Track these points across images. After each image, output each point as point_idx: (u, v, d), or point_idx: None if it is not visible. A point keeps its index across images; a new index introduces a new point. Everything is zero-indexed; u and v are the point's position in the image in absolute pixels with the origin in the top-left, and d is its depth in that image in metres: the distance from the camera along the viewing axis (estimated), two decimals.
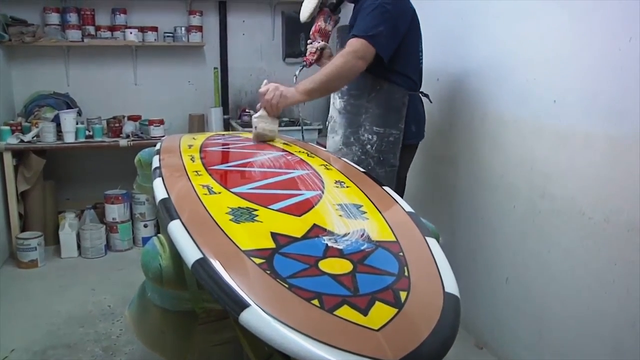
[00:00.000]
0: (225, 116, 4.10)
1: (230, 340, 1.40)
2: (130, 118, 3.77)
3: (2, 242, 3.33)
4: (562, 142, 1.89)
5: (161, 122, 3.66)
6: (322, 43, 2.34)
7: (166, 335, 1.29)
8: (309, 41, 2.38)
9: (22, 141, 3.33)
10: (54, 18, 3.62)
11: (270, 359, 1.21)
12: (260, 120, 1.95)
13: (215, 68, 4.10)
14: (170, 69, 4.02)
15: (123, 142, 3.52)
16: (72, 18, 3.64)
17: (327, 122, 2.32)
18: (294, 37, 4.17)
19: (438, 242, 1.19)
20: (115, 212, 3.53)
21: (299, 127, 3.93)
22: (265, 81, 2.02)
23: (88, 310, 2.72)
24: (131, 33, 3.74)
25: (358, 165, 2.03)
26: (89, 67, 3.84)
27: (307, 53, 2.37)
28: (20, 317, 2.64)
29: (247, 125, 3.97)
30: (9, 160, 3.28)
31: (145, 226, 3.65)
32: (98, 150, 3.69)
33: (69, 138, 3.43)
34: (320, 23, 2.33)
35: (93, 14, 3.72)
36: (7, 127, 3.33)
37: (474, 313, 2.43)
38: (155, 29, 3.85)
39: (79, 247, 3.45)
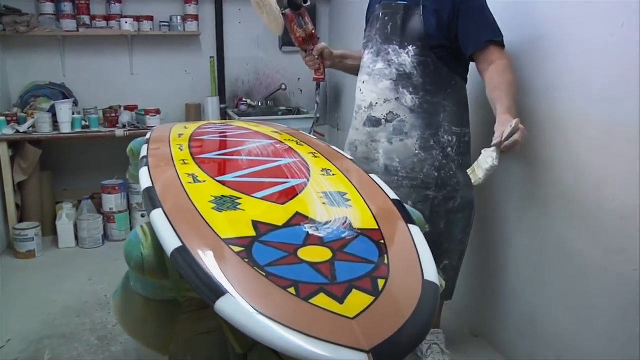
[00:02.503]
0: (222, 105, 4.09)
1: (214, 329, 1.39)
2: (127, 108, 3.75)
3: (0, 233, 3.34)
4: (555, 129, 1.87)
5: (157, 111, 3.64)
6: (316, 48, 2.17)
7: (149, 324, 1.28)
8: (303, 55, 2.20)
9: (17, 132, 3.31)
10: (48, 7, 3.59)
11: (254, 347, 1.20)
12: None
13: (211, 57, 4.08)
14: (167, 59, 4.00)
15: (119, 132, 3.51)
16: (67, 7, 3.62)
17: (377, 121, 1.98)
18: None
19: (422, 230, 1.18)
20: (112, 202, 3.53)
21: (297, 116, 3.94)
22: (516, 122, 1.63)
23: (84, 300, 2.72)
24: (127, 22, 3.71)
25: (439, 171, 1.91)
26: (84, 57, 3.82)
27: (313, 71, 2.22)
28: (17, 307, 2.65)
29: (244, 114, 3.96)
30: (4, 150, 3.28)
31: (143, 216, 3.65)
32: (94, 140, 3.67)
33: (65, 128, 3.41)
34: (297, 33, 2.11)
35: (88, 3, 3.69)
36: (3, 118, 3.31)
37: (469, 302, 2.42)
38: (151, 18, 3.82)
39: (76, 237, 3.46)
